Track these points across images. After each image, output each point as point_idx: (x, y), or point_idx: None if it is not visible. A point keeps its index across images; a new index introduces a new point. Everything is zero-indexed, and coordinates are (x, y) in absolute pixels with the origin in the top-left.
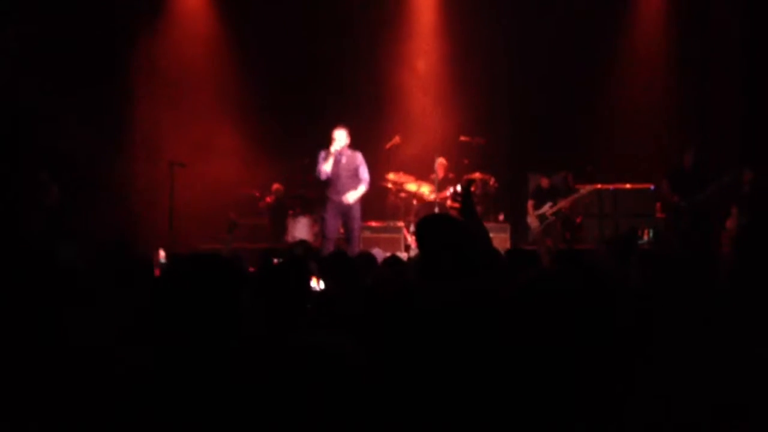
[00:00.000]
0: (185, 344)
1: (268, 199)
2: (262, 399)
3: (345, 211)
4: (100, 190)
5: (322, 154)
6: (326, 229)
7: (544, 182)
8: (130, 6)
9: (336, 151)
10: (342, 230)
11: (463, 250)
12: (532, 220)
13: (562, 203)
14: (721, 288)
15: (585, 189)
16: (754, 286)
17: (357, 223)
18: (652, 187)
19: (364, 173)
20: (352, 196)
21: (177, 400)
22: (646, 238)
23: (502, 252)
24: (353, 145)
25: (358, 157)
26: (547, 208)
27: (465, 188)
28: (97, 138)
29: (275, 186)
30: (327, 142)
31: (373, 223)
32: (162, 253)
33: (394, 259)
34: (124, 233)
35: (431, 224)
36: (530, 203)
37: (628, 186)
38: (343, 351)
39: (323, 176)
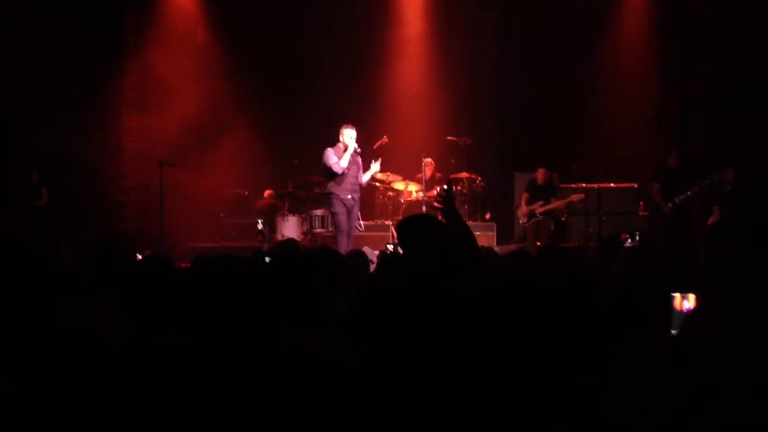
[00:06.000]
0: (197, 338)
1: (259, 205)
2: (255, 398)
3: (350, 208)
4: (89, 190)
5: (332, 150)
6: (340, 222)
7: (540, 177)
8: (122, 9)
9: (355, 148)
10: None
11: (444, 250)
12: (521, 215)
13: (556, 203)
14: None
15: (577, 196)
16: (725, 281)
17: (358, 222)
18: (635, 186)
19: (362, 173)
20: (365, 177)
21: (176, 395)
22: (630, 243)
23: (498, 250)
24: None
25: (359, 157)
26: (537, 206)
27: (447, 189)
28: (87, 138)
29: (267, 192)
30: (314, 142)
31: (362, 222)
32: (138, 257)
33: (386, 256)
34: (113, 234)
35: (411, 225)
36: (525, 196)
37: (612, 185)
38: (335, 352)
39: (340, 171)
